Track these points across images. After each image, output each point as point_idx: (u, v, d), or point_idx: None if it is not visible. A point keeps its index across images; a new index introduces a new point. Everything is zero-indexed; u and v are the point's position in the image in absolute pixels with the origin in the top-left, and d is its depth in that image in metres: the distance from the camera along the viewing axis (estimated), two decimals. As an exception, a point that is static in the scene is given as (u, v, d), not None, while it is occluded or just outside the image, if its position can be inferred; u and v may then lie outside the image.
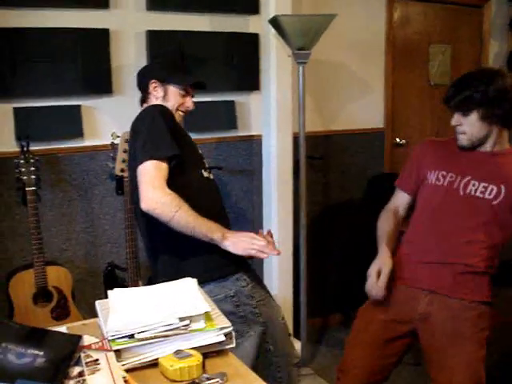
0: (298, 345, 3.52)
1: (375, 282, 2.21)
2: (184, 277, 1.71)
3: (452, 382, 2.10)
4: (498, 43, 4.59)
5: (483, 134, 2.17)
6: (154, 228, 2.14)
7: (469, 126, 2.17)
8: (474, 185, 2.19)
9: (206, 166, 2.36)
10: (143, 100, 2.41)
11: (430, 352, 2.20)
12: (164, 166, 2.04)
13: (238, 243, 2.00)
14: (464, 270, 2.15)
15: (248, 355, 2.13)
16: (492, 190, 2.15)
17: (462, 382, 2.08)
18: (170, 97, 2.33)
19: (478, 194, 2.17)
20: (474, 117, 2.15)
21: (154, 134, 2.07)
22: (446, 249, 2.18)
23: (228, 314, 2.03)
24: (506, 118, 2.17)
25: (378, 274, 2.22)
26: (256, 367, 2.15)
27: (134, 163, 2.12)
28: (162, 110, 2.18)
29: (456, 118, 2.21)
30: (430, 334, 2.19)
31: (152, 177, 2.00)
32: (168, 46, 3.19)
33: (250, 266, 2.27)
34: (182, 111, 2.37)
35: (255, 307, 2.16)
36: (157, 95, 2.33)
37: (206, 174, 2.30)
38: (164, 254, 2.20)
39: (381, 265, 2.24)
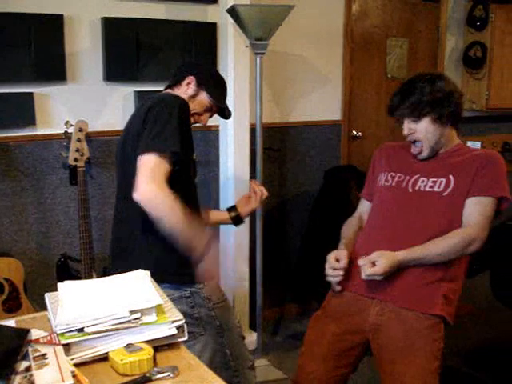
0: (253, 336, 3.53)
1: (333, 263, 2.16)
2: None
3: None
4: (454, 38, 4.66)
5: (437, 137, 2.17)
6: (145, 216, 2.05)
7: (422, 133, 2.16)
8: (422, 181, 2.19)
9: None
10: (170, 86, 2.31)
11: (381, 363, 2.13)
12: (167, 163, 1.95)
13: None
14: (415, 277, 2.09)
15: (202, 359, 2.11)
16: (441, 182, 2.15)
17: None
18: (196, 101, 2.25)
19: (427, 189, 2.17)
20: (426, 121, 2.15)
21: (167, 128, 1.97)
22: (395, 249, 2.09)
23: (183, 315, 2.04)
24: (455, 116, 2.18)
25: (336, 260, 2.17)
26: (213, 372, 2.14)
27: (133, 143, 2.03)
28: (183, 105, 2.09)
29: (407, 127, 2.19)
30: (381, 345, 2.12)
31: (153, 170, 1.92)
32: (123, 33, 3.14)
33: None
34: (194, 121, 2.30)
35: (211, 310, 2.14)
36: (186, 91, 2.24)
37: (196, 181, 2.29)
38: (146, 243, 2.12)
39: (337, 253, 2.19)
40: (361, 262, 2.06)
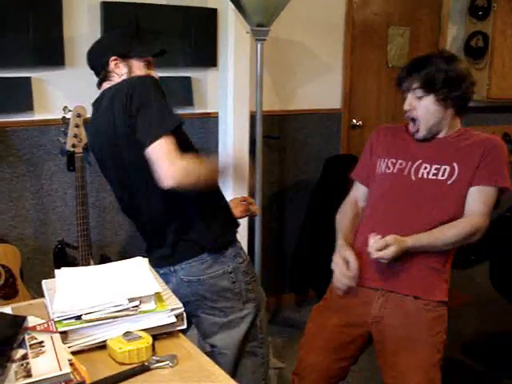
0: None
1: (345, 269, 2.08)
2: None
3: None
4: (456, 27, 4.62)
5: (437, 119, 2.12)
6: (166, 199, 2.02)
7: (423, 111, 2.11)
8: (425, 168, 2.14)
9: None
10: (103, 79, 2.16)
11: (383, 356, 2.11)
12: (172, 138, 1.89)
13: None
14: (420, 263, 2.06)
15: (239, 332, 2.13)
16: (445, 170, 2.11)
17: None
18: (135, 72, 2.13)
19: (430, 176, 2.12)
20: (429, 100, 2.10)
21: (159, 109, 1.91)
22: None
23: (225, 291, 2.06)
24: (461, 102, 2.13)
25: (345, 263, 2.10)
26: (244, 343, 2.14)
27: (126, 142, 1.97)
28: (155, 82, 2.01)
29: (409, 102, 2.14)
30: (384, 337, 2.10)
31: (167, 152, 1.86)
32: (123, 18, 3.11)
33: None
34: None
35: (249, 283, 2.14)
36: (120, 72, 2.12)
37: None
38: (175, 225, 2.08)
39: (344, 254, 2.11)
40: (374, 244, 1.99)
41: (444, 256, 2.10)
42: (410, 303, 2.07)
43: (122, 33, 2.31)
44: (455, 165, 2.11)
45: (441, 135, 2.18)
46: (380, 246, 1.98)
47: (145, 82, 1.99)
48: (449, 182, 2.10)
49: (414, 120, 2.17)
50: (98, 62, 2.17)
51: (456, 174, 2.10)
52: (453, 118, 2.17)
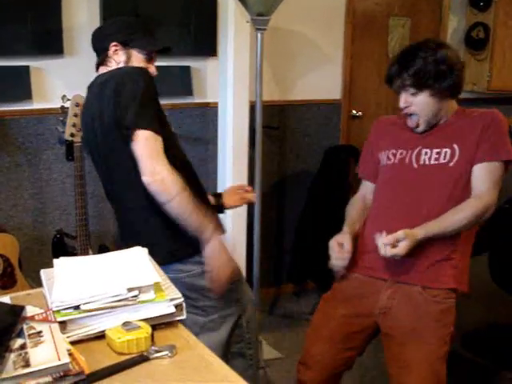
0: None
1: (337, 251, 2.11)
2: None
3: (409, 379, 2.01)
4: (457, 18, 4.60)
5: (436, 111, 2.09)
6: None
7: (420, 106, 2.08)
8: (426, 153, 2.11)
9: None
10: (101, 63, 2.15)
11: (389, 347, 2.10)
12: (160, 138, 1.89)
13: (218, 267, 1.99)
14: (427, 252, 2.04)
15: (221, 333, 2.12)
16: (446, 152, 2.07)
17: (420, 379, 1.99)
18: (133, 62, 2.11)
19: (432, 161, 2.09)
20: (425, 94, 2.06)
21: (148, 102, 1.91)
22: (407, 227, 2.00)
23: (205, 289, 2.03)
24: (455, 88, 2.10)
25: (340, 246, 2.11)
26: (229, 344, 2.15)
27: (110, 131, 1.95)
28: (149, 76, 2.00)
29: (404, 99, 2.10)
30: (391, 328, 2.09)
31: (155, 150, 1.86)
32: (122, 7, 3.09)
33: None
34: None
35: (231, 283, 2.10)
36: (118, 59, 2.10)
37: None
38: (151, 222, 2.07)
39: (339, 238, 2.13)
40: (385, 240, 1.96)
41: (451, 243, 2.06)
42: (418, 294, 2.06)
43: (128, 21, 2.25)
44: (455, 146, 2.07)
45: (441, 122, 2.15)
46: (390, 241, 1.94)
47: (137, 76, 1.96)
48: (451, 165, 2.07)
49: (411, 115, 2.13)
50: (99, 45, 2.16)
51: (457, 154, 2.06)
52: (449, 103, 2.14)
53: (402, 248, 1.93)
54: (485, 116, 2.10)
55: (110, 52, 2.11)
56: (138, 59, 2.12)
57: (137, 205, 2.05)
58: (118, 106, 1.90)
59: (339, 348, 2.17)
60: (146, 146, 1.87)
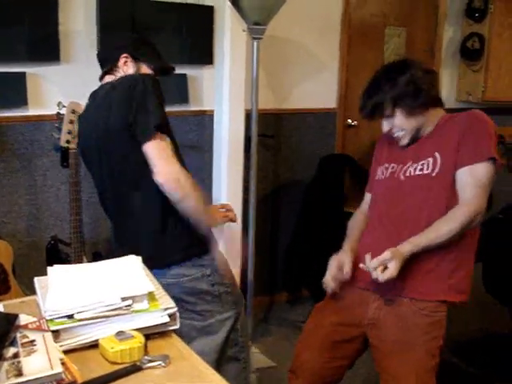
0: (243, 323, 3.52)
1: (334, 272, 2.09)
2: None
3: None
4: (452, 29, 4.62)
5: (417, 126, 2.09)
6: (150, 201, 2.05)
7: (399, 127, 2.10)
8: (412, 166, 2.10)
9: None
10: (107, 72, 2.19)
11: (377, 358, 2.09)
12: (169, 140, 1.99)
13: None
14: (413, 265, 2.00)
15: (218, 337, 2.14)
16: (428, 162, 2.06)
17: None
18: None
19: (417, 172, 2.08)
20: (400, 115, 2.07)
21: (160, 105, 1.97)
22: (395, 242, 1.98)
23: (204, 293, 2.08)
24: (431, 100, 2.09)
25: (339, 268, 2.10)
26: (224, 348, 2.16)
27: (120, 137, 1.99)
28: (158, 82, 2.04)
29: (385, 124, 2.13)
30: (379, 339, 2.08)
31: (167, 151, 1.95)
32: (119, 14, 3.09)
33: None
34: None
35: (228, 286, 2.16)
36: (126, 70, 2.15)
37: None
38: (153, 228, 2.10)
39: (341, 258, 2.11)
40: (372, 264, 1.91)
41: (437, 255, 2.03)
42: (406, 306, 2.04)
43: (139, 37, 2.34)
44: (437, 154, 2.05)
45: (426, 132, 2.14)
46: (377, 265, 1.91)
47: (147, 81, 2.00)
48: (433, 174, 2.05)
49: (398, 134, 2.15)
50: (109, 55, 2.20)
51: (439, 163, 2.04)
52: (432, 113, 2.13)
53: (393, 269, 1.89)
54: (463, 119, 2.08)
55: (120, 63, 2.15)
56: (145, 71, 2.18)
57: (139, 208, 2.08)
58: (130, 109, 1.94)
59: (327, 357, 2.17)
60: (159, 147, 1.93)
